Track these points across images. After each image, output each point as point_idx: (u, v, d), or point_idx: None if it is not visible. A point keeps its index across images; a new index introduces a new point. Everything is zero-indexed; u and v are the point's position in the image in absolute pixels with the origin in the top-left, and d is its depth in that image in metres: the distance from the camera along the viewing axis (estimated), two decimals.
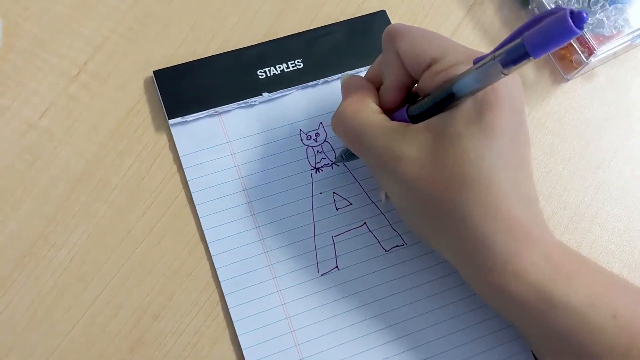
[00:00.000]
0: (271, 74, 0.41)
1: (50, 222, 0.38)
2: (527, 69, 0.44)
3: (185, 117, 0.40)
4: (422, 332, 0.37)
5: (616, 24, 0.43)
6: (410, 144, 0.33)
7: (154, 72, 0.41)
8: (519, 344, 0.38)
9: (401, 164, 0.33)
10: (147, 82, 0.41)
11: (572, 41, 0.42)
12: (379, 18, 0.44)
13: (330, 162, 0.41)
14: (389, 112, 0.36)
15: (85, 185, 0.39)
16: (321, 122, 0.41)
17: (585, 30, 0.42)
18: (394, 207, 0.37)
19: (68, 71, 0.41)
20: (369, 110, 0.35)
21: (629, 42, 0.43)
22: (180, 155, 0.39)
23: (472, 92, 0.31)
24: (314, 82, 0.42)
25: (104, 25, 0.42)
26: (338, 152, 0.40)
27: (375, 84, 0.37)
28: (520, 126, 0.33)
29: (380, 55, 0.37)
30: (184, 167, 0.39)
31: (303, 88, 0.42)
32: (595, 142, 0.43)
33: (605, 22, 0.43)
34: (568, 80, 0.44)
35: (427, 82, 0.34)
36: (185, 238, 0.38)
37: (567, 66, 0.44)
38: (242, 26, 0.43)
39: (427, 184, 0.32)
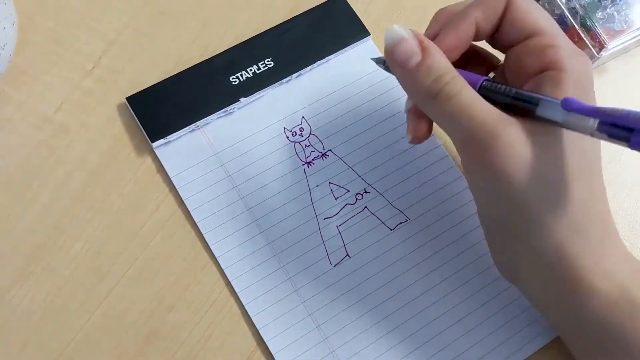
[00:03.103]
0: (244, 78, 0.41)
1: (65, 214, 0.38)
2: None
3: (167, 137, 0.40)
4: (441, 302, 0.38)
5: (627, 19, 0.43)
6: (516, 130, 0.30)
7: (126, 98, 0.40)
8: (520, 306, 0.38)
9: (508, 150, 0.30)
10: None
11: (583, 36, 0.43)
12: (338, 4, 0.44)
13: (320, 154, 0.41)
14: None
15: (100, 178, 0.39)
16: (303, 116, 0.41)
17: (596, 24, 0.42)
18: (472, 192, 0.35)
19: (82, 66, 0.42)
20: (468, 87, 0.31)
21: None
22: (170, 176, 0.39)
23: (550, 123, 0.30)
24: (288, 78, 0.42)
25: (118, 20, 0.43)
26: (379, 56, 0.39)
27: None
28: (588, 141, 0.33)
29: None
30: (176, 187, 0.39)
31: (278, 86, 0.42)
32: None
33: (616, 16, 0.43)
34: None
35: (526, 52, 0.32)
36: (198, 232, 0.39)
37: None
38: (255, 21, 0.44)
39: (533, 174, 0.30)
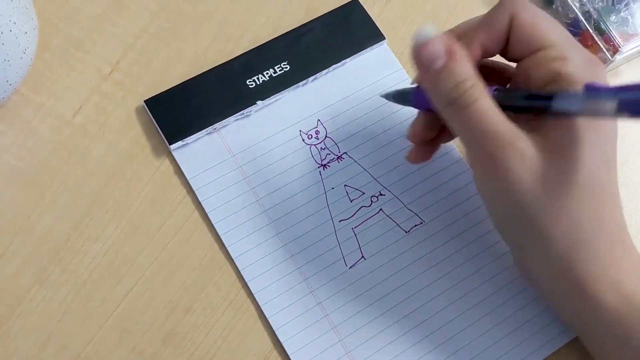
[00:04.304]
0: (260, 82, 0.42)
1: (84, 216, 0.39)
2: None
3: (185, 140, 0.40)
4: (457, 303, 0.38)
5: None
6: (529, 140, 0.31)
7: (145, 101, 0.41)
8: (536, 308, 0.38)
9: (519, 159, 0.31)
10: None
11: (597, 39, 0.43)
12: (353, 8, 0.44)
13: (336, 157, 0.41)
14: None
15: (119, 180, 0.40)
16: (319, 119, 0.42)
17: (610, 28, 0.42)
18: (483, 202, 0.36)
19: (101, 69, 0.42)
20: (489, 98, 0.32)
21: None
22: (187, 178, 0.40)
23: (569, 115, 0.31)
24: (304, 82, 0.42)
25: (136, 24, 0.43)
26: (388, 90, 0.39)
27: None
28: (614, 130, 0.33)
29: (482, 16, 0.35)
30: (193, 189, 0.40)
31: (294, 89, 0.42)
32: (620, 139, 0.43)
33: (630, 20, 0.43)
34: None
35: (535, 66, 0.32)
36: (215, 233, 0.39)
37: None
38: (271, 25, 0.44)
39: (541, 184, 0.31)
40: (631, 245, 0.33)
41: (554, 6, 0.45)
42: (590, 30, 0.43)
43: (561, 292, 0.34)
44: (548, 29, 0.33)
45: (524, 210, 0.32)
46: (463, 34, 0.35)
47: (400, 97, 0.38)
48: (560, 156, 0.31)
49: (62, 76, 0.42)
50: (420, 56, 0.31)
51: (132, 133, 0.41)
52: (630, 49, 0.43)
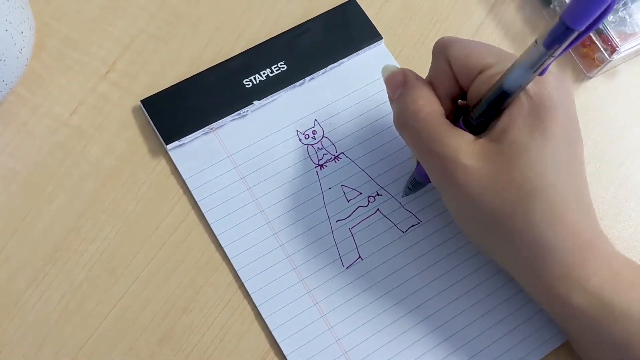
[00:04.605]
0: (257, 82, 0.42)
1: (81, 217, 0.39)
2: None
3: (182, 140, 0.40)
4: (453, 304, 0.38)
5: (639, 22, 0.43)
6: (478, 155, 0.32)
7: (141, 101, 0.41)
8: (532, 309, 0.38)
9: (469, 174, 0.32)
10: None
11: (594, 39, 0.43)
12: (351, 8, 0.44)
13: (333, 157, 0.41)
14: None
15: (115, 181, 0.40)
16: (316, 119, 0.42)
17: (608, 27, 0.42)
18: (454, 220, 0.37)
19: (98, 70, 0.42)
20: (441, 113, 0.34)
21: None
22: (184, 178, 0.40)
23: (524, 86, 0.31)
24: (301, 82, 0.42)
25: (133, 24, 0.43)
26: (404, 186, 0.40)
27: None
28: (575, 132, 0.33)
29: (429, 70, 0.37)
30: (190, 189, 0.39)
31: (291, 89, 0.42)
32: (618, 139, 0.43)
33: (628, 19, 0.43)
34: (590, 78, 0.45)
35: (479, 88, 0.34)
36: (212, 234, 0.39)
37: (590, 64, 0.44)
38: (268, 25, 0.44)
39: (493, 196, 0.32)
40: (601, 246, 0.33)
41: (551, 6, 0.45)
42: None
43: (538, 295, 0.34)
44: (482, 53, 0.34)
45: (482, 220, 0.33)
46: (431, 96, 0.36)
47: (413, 184, 0.39)
48: (508, 164, 0.32)
49: (58, 76, 0.42)
50: (387, 87, 0.37)
51: (129, 133, 0.41)
52: (628, 49, 0.42)
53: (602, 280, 0.32)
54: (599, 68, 0.44)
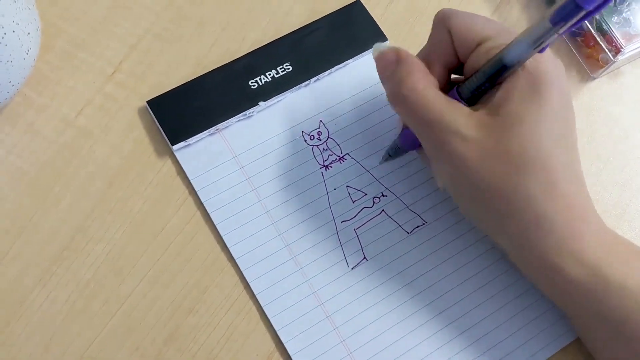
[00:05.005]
0: (263, 82, 0.42)
1: (87, 217, 0.39)
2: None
3: (187, 140, 0.40)
4: (460, 304, 0.38)
5: None
6: (475, 125, 0.33)
7: (147, 102, 0.41)
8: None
9: (466, 145, 0.33)
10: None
11: (599, 40, 0.43)
12: (356, 9, 0.44)
13: (338, 157, 0.41)
14: None
15: (122, 181, 0.40)
16: (321, 120, 0.42)
17: (612, 28, 0.43)
18: (449, 193, 0.37)
19: (104, 70, 0.42)
20: (435, 86, 0.35)
21: None
22: (190, 178, 0.40)
23: (524, 60, 0.32)
24: (306, 83, 0.42)
25: (139, 25, 0.43)
26: (383, 152, 0.41)
27: None
28: (569, 106, 0.34)
29: (427, 42, 0.37)
30: (196, 189, 0.40)
31: (296, 90, 0.42)
32: (623, 140, 0.43)
33: (632, 20, 0.43)
34: (594, 78, 0.45)
35: (478, 59, 0.34)
36: (217, 234, 0.39)
37: (594, 65, 0.44)
38: (273, 26, 0.44)
39: (489, 167, 0.32)
40: (594, 220, 0.34)
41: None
42: (592, 31, 0.43)
43: (533, 270, 0.35)
44: (482, 26, 0.35)
45: (477, 192, 0.33)
46: (423, 60, 0.36)
47: (394, 151, 0.39)
48: (505, 134, 0.32)
49: (64, 77, 0.42)
50: (377, 65, 0.36)
51: (135, 134, 0.41)
52: (632, 50, 0.43)
53: (596, 254, 0.32)
54: (603, 69, 0.44)
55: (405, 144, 0.38)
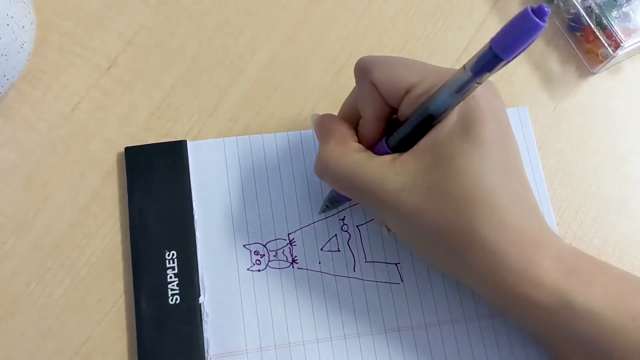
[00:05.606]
0: None
1: (82, 212, 0.39)
2: (553, 63, 0.44)
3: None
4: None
5: None
6: (403, 175, 0.32)
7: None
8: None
9: (399, 197, 0.32)
10: (176, 76, 0.42)
11: (598, 34, 0.42)
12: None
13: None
14: (370, 147, 0.35)
15: (117, 176, 0.40)
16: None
17: (612, 23, 0.42)
18: (400, 241, 0.37)
19: (99, 65, 0.42)
20: (352, 150, 0.34)
21: None
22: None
23: (450, 109, 0.31)
24: None
25: (135, 20, 0.43)
26: (321, 203, 0.39)
27: (350, 121, 0.36)
28: (506, 135, 0.33)
29: (352, 91, 0.36)
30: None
31: None
32: (622, 135, 0.43)
33: (632, 15, 0.43)
34: (594, 73, 0.44)
35: (408, 108, 0.33)
36: None
37: (593, 60, 0.44)
38: (270, 22, 0.44)
39: (430, 212, 0.31)
40: (550, 246, 0.32)
41: (555, 2, 0.45)
42: (592, 26, 0.43)
43: (500, 301, 0.34)
44: (406, 72, 0.33)
45: (426, 236, 0.33)
46: (351, 115, 0.36)
47: (331, 201, 0.38)
48: (439, 177, 0.31)
49: (60, 71, 0.42)
50: (315, 131, 0.36)
51: (131, 129, 0.41)
52: (632, 44, 0.42)
53: (557, 280, 0.31)
54: (602, 64, 0.43)
55: (339, 195, 0.37)
